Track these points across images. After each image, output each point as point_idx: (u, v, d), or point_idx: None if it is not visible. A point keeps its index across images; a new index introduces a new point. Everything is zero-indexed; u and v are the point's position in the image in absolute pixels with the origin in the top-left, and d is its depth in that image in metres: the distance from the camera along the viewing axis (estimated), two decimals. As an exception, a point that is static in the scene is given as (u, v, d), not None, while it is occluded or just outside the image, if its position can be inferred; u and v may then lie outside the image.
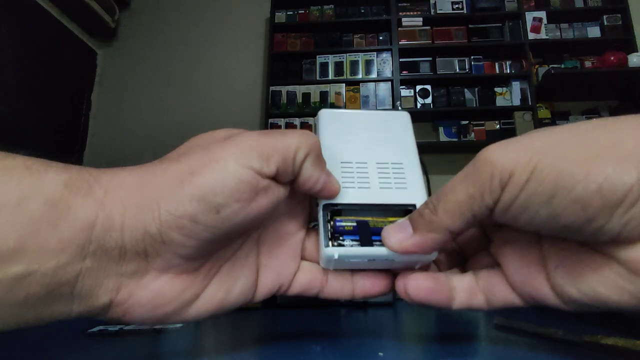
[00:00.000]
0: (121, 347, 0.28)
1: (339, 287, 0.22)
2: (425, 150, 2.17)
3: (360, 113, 0.25)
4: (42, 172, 0.15)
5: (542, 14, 2.14)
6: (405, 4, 2.25)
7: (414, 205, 0.21)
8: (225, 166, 0.17)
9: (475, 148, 2.01)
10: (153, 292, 0.17)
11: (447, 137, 2.13)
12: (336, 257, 0.19)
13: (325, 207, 0.20)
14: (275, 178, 0.18)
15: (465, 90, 2.14)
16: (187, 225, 0.16)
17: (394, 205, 0.21)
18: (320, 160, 0.20)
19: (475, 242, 0.23)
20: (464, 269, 0.22)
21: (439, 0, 2.23)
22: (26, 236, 0.14)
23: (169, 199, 0.16)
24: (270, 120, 2.12)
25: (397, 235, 0.19)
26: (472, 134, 2.09)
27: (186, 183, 0.16)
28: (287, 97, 2.16)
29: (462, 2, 2.21)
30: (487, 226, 0.22)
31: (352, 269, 0.22)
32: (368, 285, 0.21)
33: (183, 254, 0.17)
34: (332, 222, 0.20)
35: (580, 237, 0.16)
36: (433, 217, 0.18)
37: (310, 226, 0.23)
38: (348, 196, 0.21)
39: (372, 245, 0.20)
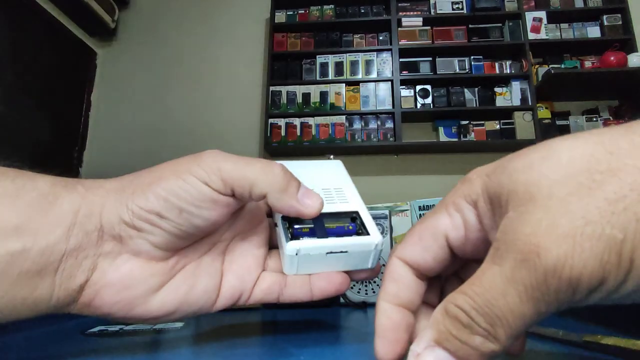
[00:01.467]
0: (121, 347, 0.28)
1: (297, 289, 0.23)
2: (425, 150, 2.18)
3: (300, 163, 0.29)
4: (32, 175, 0.19)
5: (542, 14, 2.14)
6: (405, 4, 2.25)
7: (356, 212, 0.24)
8: (188, 179, 0.20)
9: (475, 148, 1.99)
10: (123, 272, 0.20)
11: (447, 137, 2.13)
12: (298, 247, 0.22)
13: (284, 217, 0.23)
14: (234, 197, 0.21)
15: (465, 90, 2.14)
16: (154, 219, 0.20)
17: (341, 213, 0.24)
18: (283, 193, 0.21)
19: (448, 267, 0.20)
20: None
21: (439, 0, 2.23)
22: (24, 219, 0.18)
23: (140, 196, 0.20)
24: (270, 121, 2.12)
25: None
26: (472, 134, 2.09)
27: (154, 185, 0.20)
28: (287, 97, 2.16)
29: (462, 2, 2.21)
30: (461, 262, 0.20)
31: (312, 272, 0.24)
32: (324, 285, 0.23)
33: (152, 241, 0.20)
34: (290, 229, 0.23)
35: None
36: (494, 345, 0.13)
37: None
38: None
39: (327, 237, 0.22)
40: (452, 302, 0.14)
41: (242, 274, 0.23)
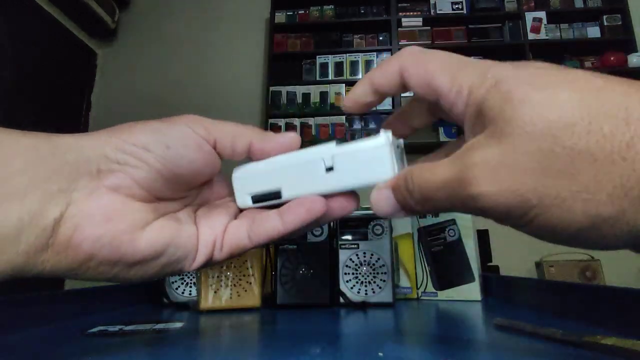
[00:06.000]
0: (121, 347, 0.28)
1: (267, 223, 0.22)
2: (425, 150, 2.17)
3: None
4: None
5: (542, 14, 2.14)
6: (405, 4, 2.25)
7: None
8: (174, 124, 0.21)
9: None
10: (103, 204, 0.19)
11: (447, 137, 2.13)
12: (391, 137, 0.20)
13: (337, 143, 0.21)
14: (216, 149, 0.22)
15: (465, 90, 2.14)
16: (140, 152, 0.19)
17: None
18: (265, 136, 0.22)
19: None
20: None
21: (439, 1, 2.23)
22: None
23: (125, 132, 0.20)
24: (270, 121, 2.12)
25: (388, 209, 0.20)
26: (472, 134, 2.09)
27: (144, 125, 0.20)
28: (287, 98, 2.17)
29: (462, 2, 2.22)
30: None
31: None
32: (300, 210, 0.22)
33: (135, 176, 0.19)
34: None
35: None
36: (419, 208, 0.19)
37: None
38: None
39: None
40: (411, 174, 0.19)
41: (212, 224, 0.23)
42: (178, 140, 0.20)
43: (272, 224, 0.21)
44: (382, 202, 0.20)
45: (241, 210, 0.24)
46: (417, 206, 0.19)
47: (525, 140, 0.15)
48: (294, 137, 0.23)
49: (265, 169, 0.22)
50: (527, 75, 0.16)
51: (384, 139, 0.20)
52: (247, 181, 0.23)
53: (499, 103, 0.16)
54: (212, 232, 0.22)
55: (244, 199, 0.23)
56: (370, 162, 0.20)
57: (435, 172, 0.18)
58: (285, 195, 0.22)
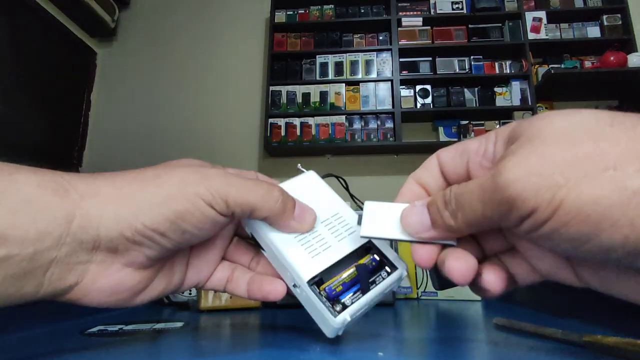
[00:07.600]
0: (120, 347, 0.28)
1: (237, 287, 0.26)
2: (425, 150, 2.17)
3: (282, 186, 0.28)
4: (14, 174, 0.18)
5: (542, 14, 2.14)
6: (405, 4, 2.25)
7: (369, 242, 0.25)
8: (197, 203, 0.20)
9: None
10: (115, 281, 0.21)
11: (447, 137, 2.13)
12: (349, 319, 0.22)
13: (309, 282, 0.23)
14: (232, 216, 0.22)
15: (465, 90, 2.14)
16: (156, 237, 0.20)
17: (356, 251, 0.25)
18: (282, 215, 0.23)
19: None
20: (477, 245, 0.22)
21: (439, 0, 2.23)
22: (6, 226, 0.17)
23: (147, 216, 0.20)
24: (270, 120, 2.12)
25: (417, 226, 0.21)
26: (472, 134, 2.09)
27: (163, 207, 0.20)
28: (287, 97, 2.16)
29: (462, 2, 2.21)
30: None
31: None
32: (255, 290, 0.25)
33: (148, 254, 0.21)
34: (323, 292, 0.23)
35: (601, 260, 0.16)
36: (452, 222, 0.19)
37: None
38: (320, 263, 0.24)
39: (367, 291, 0.23)
40: (449, 188, 0.19)
41: (201, 268, 0.25)
42: (195, 225, 0.21)
43: (240, 290, 0.26)
44: (413, 216, 0.21)
45: (234, 236, 0.27)
46: (450, 219, 0.19)
47: (552, 133, 0.16)
48: (310, 224, 0.25)
49: (265, 237, 0.25)
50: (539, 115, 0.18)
51: (338, 324, 0.22)
52: (252, 226, 0.25)
53: (526, 123, 0.18)
54: (197, 278, 0.25)
55: (245, 227, 0.26)
56: (321, 318, 0.23)
57: (470, 182, 0.18)
58: (266, 255, 0.26)
